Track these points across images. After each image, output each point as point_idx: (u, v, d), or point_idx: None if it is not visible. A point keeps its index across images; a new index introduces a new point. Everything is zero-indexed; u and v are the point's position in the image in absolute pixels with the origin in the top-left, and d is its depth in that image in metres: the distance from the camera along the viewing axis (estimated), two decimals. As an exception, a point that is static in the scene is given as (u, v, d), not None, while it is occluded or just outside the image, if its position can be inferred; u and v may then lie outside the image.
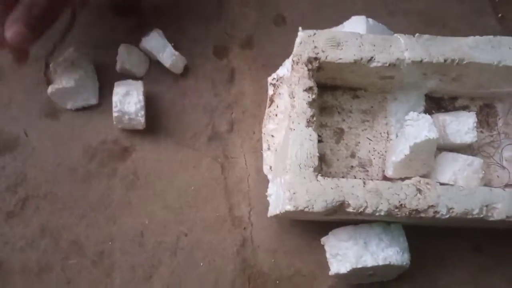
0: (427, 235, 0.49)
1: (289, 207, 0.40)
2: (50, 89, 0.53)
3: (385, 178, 0.48)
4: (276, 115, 0.52)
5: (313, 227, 0.49)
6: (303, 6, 0.62)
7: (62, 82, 0.53)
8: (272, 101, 0.53)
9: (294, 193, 0.40)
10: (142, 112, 0.52)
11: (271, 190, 0.49)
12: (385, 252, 0.43)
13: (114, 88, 0.51)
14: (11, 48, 0.47)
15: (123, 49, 0.55)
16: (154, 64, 0.57)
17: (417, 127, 0.44)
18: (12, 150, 0.53)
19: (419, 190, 0.41)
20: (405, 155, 0.44)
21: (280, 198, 0.43)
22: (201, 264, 0.49)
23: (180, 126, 0.55)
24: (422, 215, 0.40)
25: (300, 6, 0.62)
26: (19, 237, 0.50)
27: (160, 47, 0.55)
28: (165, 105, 0.56)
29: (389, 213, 0.40)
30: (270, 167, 0.51)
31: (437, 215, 0.40)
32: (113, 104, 0.51)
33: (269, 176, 0.51)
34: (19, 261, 0.49)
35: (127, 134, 0.54)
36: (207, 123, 0.56)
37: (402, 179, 0.45)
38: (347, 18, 0.57)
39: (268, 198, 0.49)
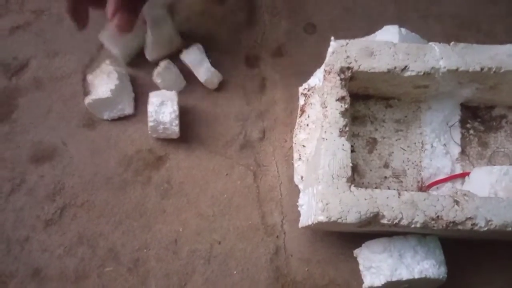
0: (463, 244, 0.48)
1: (321, 218, 0.40)
2: (87, 100, 0.55)
3: (420, 189, 0.48)
4: (307, 125, 0.52)
5: (347, 236, 0.49)
6: (333, 13, 0.62)
7: (99, 93, 0.54)
8: (303, 111, 0.53)
9: (327, 204, 0.40)
10: (177, 122, 0.52)
11: (302, 200, 0.49)
12: (421, 265, 0.42)
13: (149, 98, 0.52)
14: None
15: (162, 65, 0.55)
16: (190, 75, 0.57)
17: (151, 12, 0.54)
18: (51, 159, 0.55)
19: (457, 202, 0.40)
20: (151, 41, 0.55)
21: (312, 209, 0.43)
22: (235, 272, 0.50)
23: (213, 135, 0.56)
24: (460, 227, 0.40)
25: (330, 14, 0.62)
26: (57, 245, 0.51)
27: (197, 61, 0.55)
28: (198, 114, 0.57)
29: (425, 225, 0.39)
30: (301, 177, 0.51)
31: (475, 228, 0.40)
32: (148, 114, 0.52)
33: (300, 186, 0.51)
34: (57, 268, 0.50)
35: (161, 143, 0.55)
36: (239, 131, 0.56)
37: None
38: (378, 24, 0.56)
39: (299, 209, 0.49)
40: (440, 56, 0.46)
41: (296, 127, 0.53)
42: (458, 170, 0.48)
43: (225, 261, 0.50)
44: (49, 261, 0.50)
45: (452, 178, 0.47)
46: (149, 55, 0.58)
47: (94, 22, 0.61)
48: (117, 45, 0.57)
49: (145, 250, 0.51)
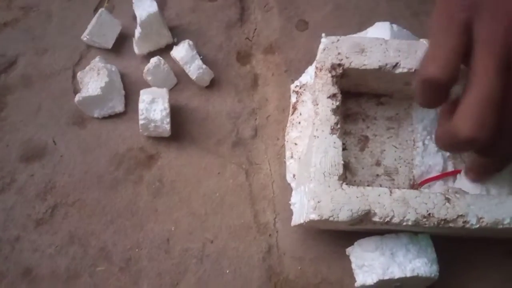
0: (455, 242, 0.48)
1: (313, 216, 0.40)
2: (77, 98, 0.54)
3: (412, 187, 0.48)
4: (299, 122, 0.52)
5: (340, 234, 0.49)
6: (325, 10, 0.62)
7: (89, 90, 0.54)
8: (295, 108, 0.53)
9: (318, 202, 0.40)
10: (168, 120, 0.52)
11: (295, 198, 0.49)
12: (413, 264, 0.42)
13: (140, 96, 0.52)
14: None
15: (153, 62, 0.55)
16: (181, 73, 0.57)
17: (142, 6, 0.54)
18: (41, 158, 0.55)
19: (448, 199, 0.40)
20: (139, 32, 0.55)
21: (304, 207, 0.43)
22: (227, 271, 0.49)
23: (205, 133, 0.56)
24: (451, 225, 0.40)
25: (322, 11, 0.62)
26: (48, 244, 0.51)
27: (188, 58, 0.55)
28: (189, 112, 0.56)
29: (417, 222, 0.39)
30: (294, 176, 0.50)
31: (467, 225, 0.40)
32: (139, 112, 0.51)
33: (293, 185, 0.50)
34: (48, 268, 0.50)
35: (152, 141, 0.55)
36: (231, 129, 0.56)
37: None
38: (370, 21, 0.56)
39: (291, 207, 0.49)
40: (432, 53, 0.45)
41: (288, 125, 0.53)
42: (450, 168, 0.48)
43: (217, 260, 0.50)
44: (40, 260, 0.50)
45: (444, 175, 0.47)
46: (138, 48, 0.58)
47: (82, 19, 0.61)
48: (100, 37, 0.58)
49: (137, 250, 0.50)
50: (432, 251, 0.44)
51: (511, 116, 0.33)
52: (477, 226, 0.40)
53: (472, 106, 0.32)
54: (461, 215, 0.40)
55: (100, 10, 0.57)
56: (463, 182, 0.46)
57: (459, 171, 0.47)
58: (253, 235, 0.51)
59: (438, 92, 0.34)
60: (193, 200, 0.53)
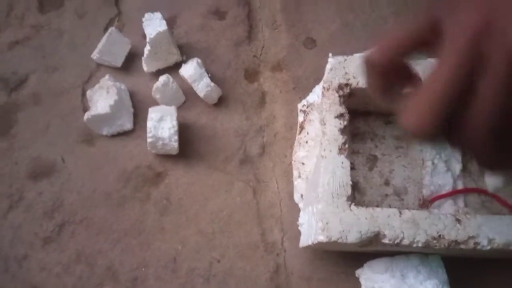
0: (467, 262, 0.47)
1: (321, 238, 0.39)
2: (86, 116, 0.54)
3: (421, 206, 0.47)
4: (306, 142, 0.51)
5: (348, 254, 0.48)
6: (333, 27, 0.62)
7: (98, 109, 0.54)
8: (302, 128, 0.52)
9: (327, 223, 0.40)
10: (176, 137, 0.52)
11: (303, 219, 0.48)
12: (424, 286, 0.41)
13: (149, 114, 0.52)
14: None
15: (161, 81, 0.55)
16: (189, 90, 0.57)
17: (152, 25, 0.55)
18: (49, 175, 0.55)
19: (458, 220, 0.39)
20: (148, 50, 0.56)
21: (312, 228, 0.42)
22: (234, 291, 0.49)
23: (212, 150, 0.56)
24: (462, 246, 0.39)
25: (330, 28, 0.62)
26: (55, 263, 0.51)
27: (197, 76, 0.55)
28: (197, 129, 0.56)
29: (427, 244, 0.39)
30: (301, 196, 0.50)
31: (478, 247, 0.39)
32: (147, 130, 0.52)
33: (300, 205, 0.50)
34: (55, 286, 0.49)
35: (160, 159, 0.55)
36: (239, 146, 0.56)
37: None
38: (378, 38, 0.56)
39: (299, 228, 0.48)
40: (440, 72, 0.45)
41: (295, 144, 0.53)
42: (460, 187, 0.47)
43: (224, 279, 0.49)
44: (47, 279, 0.50)
45: (456, 193, 0.47)
46: (147, 66, 0.58)
47: (93, 38, 0.61)
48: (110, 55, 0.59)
49: (143, 269, 0.50)
50: (443, 273, 0.43)
51: (472, 119, 0.30)
52: (489, 247, 0.39)
53: (419, 102, 0.30)
54: (472, 237, 0.39)
55: (110, 29, 0.58)
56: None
57: (470, 190, 0.47)
58: (260, 254, 0.50)
59: (372, 73, 0.34)
60: (200, 218, 0.52)
